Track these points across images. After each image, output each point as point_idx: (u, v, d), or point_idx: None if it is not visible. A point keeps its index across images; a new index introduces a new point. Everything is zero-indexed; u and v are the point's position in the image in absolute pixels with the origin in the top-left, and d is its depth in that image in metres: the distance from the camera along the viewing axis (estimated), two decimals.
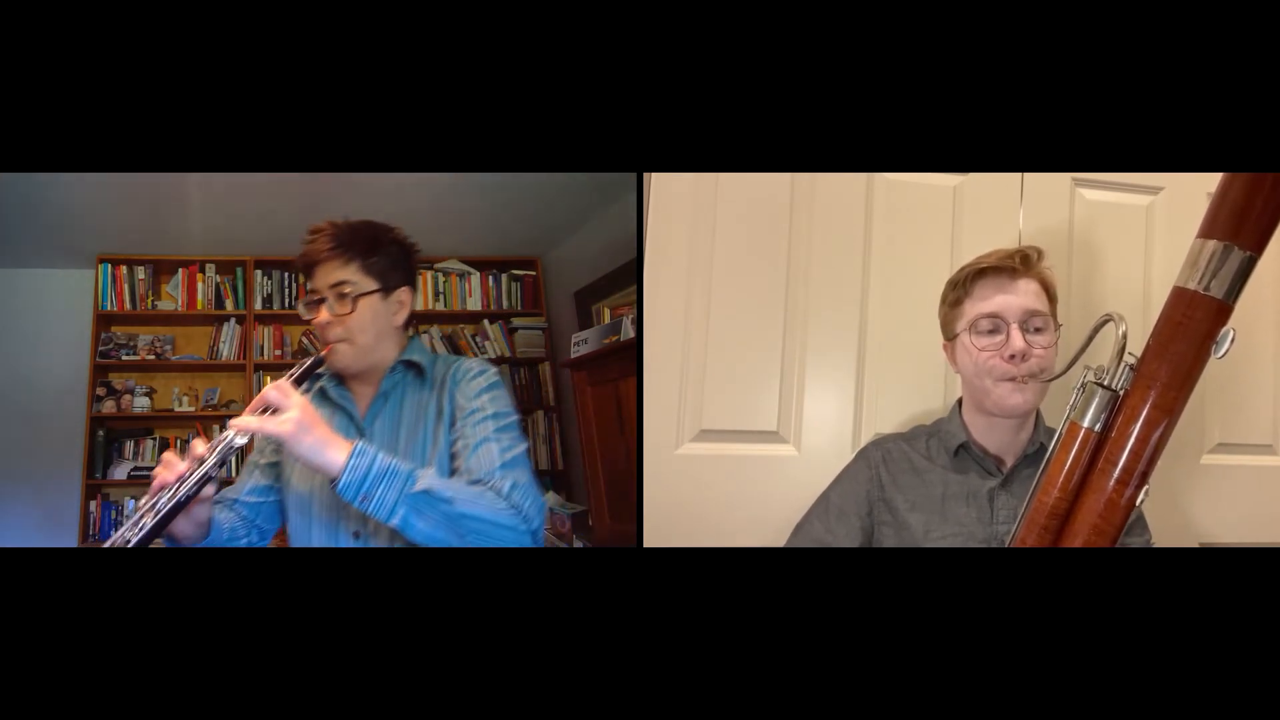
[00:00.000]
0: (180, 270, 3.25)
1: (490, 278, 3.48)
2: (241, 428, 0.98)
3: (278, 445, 1.17)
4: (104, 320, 3.19)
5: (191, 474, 0.97)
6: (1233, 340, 0.82)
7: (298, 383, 1.07)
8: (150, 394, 3.25)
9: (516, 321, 3.45)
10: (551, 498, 2.87)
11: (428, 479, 1.00)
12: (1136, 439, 0.84)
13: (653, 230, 1.40)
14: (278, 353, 3.28)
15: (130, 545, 0.92)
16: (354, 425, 1.17)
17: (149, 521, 0.94)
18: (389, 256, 1.17)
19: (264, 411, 0.99)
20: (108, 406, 3.14)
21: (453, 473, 1.09)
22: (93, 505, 3.11)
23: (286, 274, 3.30)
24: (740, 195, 1.42)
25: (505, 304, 3.48)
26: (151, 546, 0.95)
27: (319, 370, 1.14)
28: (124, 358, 3.19)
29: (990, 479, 1.15)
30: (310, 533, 1.14)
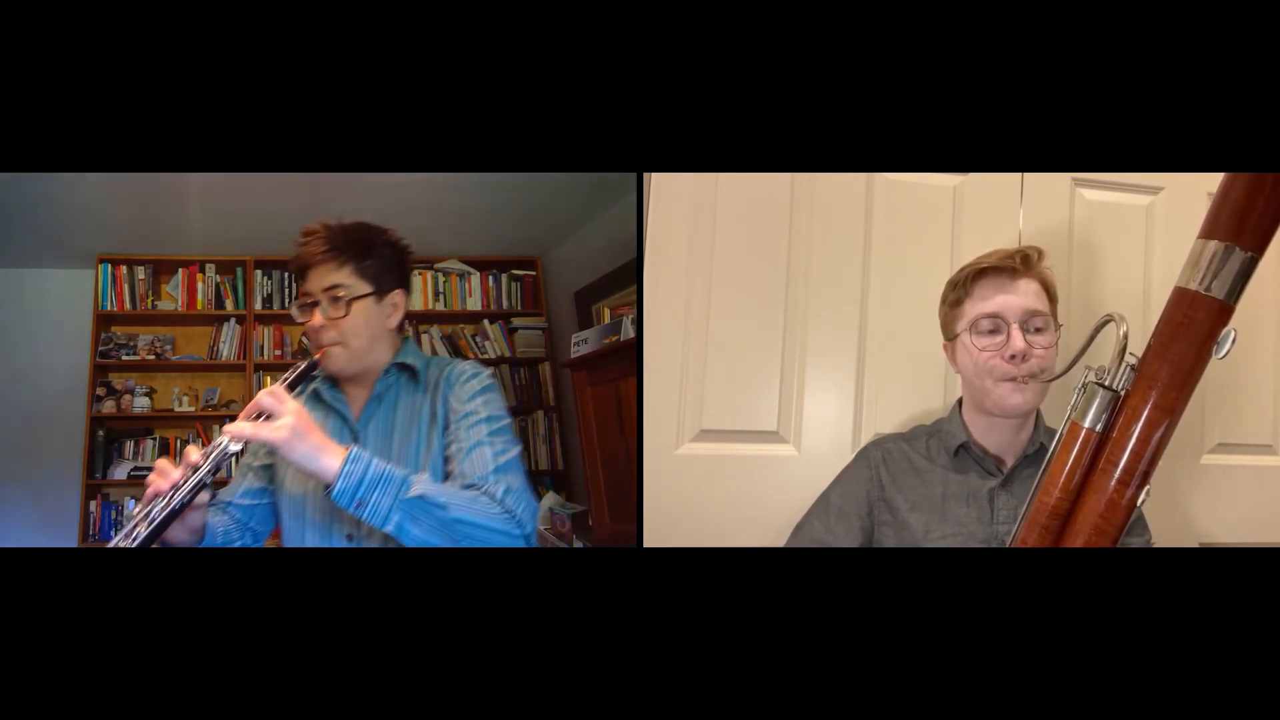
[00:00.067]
0: (180, 270, 3.25)
1: (490, 278, 3.48)
2: (236, 434, 0.98)
3: (271, 448, 1.17)
4: (104, 320, 3.19)
5: (186, 481, 0.97)
6: (1234, 341, 0.82)
7: (291, 387, 1.06)
8: (150, 394, 3.25)
9: (516, 321, 3.45)
10: (551, 498, 2.87)
11: (422, 485, 1.00)
12: (1138, 439, 0.84)
13: (653, 230, 1.40)
14: (278, 353, 3.28)
15: None
16: (348, 428, 1.17)
17: (143, 531, 0.94)
18: (382, 259, 1.17)
19: (258, 417, 0.99)
20: (108, 406, 3.14)
21: (446, 476, 1.09)
22: (93, 505, 3.11)
23: (286, 274, 3.30)
24: (740, 195, 1.42)
25: (505, 304, 3.48)
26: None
27: (313, 374, 1.14)
28: (124, 358, 3.19)
29: (990, 479, 1.15)
30: (303, 535, 1.14)
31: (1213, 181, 0.87)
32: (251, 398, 1.01)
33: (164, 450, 3.24)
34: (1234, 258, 0.81)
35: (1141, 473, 0.85)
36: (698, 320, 1.40)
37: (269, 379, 3.24)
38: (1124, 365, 0.87)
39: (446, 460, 1.11)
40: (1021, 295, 1.12)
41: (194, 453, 0.99)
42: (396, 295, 1.18)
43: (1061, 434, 0.91)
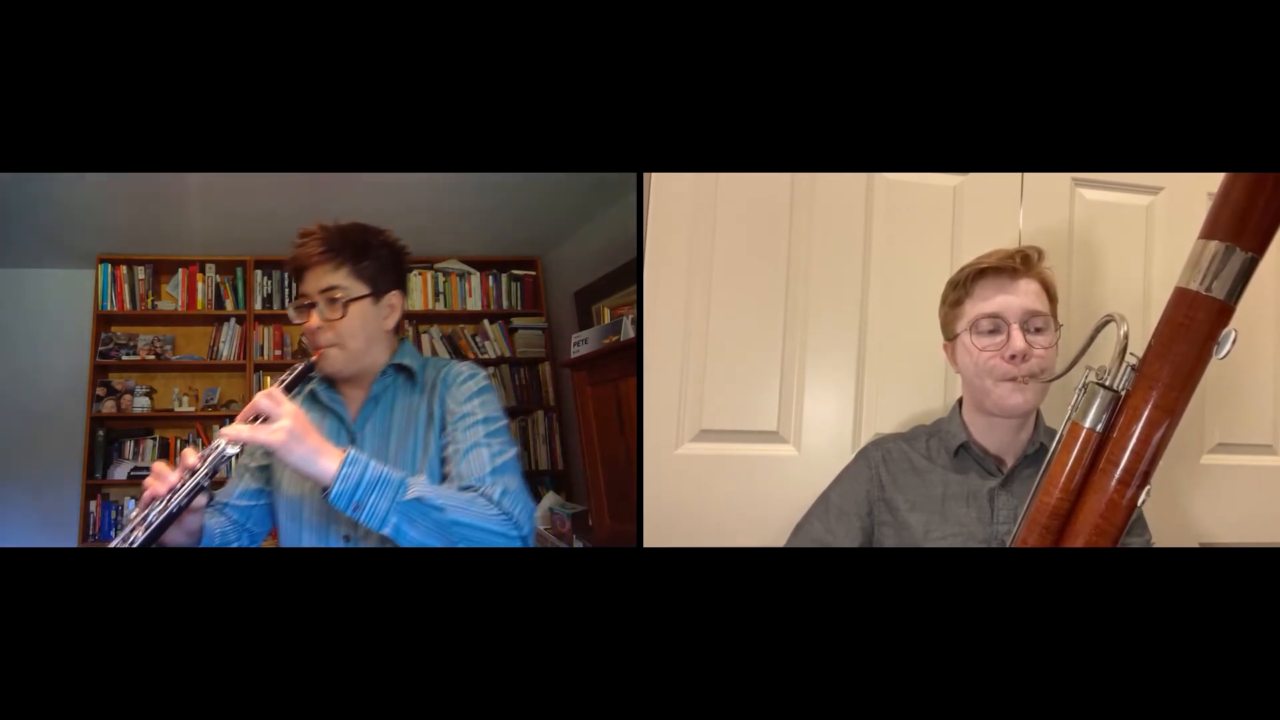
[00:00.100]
0: (180, 270, 3.25)
1: (490, 278, 3.48)
2: (233, 437, 0.98)
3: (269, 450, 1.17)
4: (104, 320, 3.19)
5: (183, 485, 0.97)
6: (1234, 341, 0.82)
7: (289, 390, 1.06)
8: (150, 394, 3.25)
9: (516, 321, 3.45)
10: (551, 498, 2.87)
11: (419, 487, 1.00)
12: (1138, 439, 0.84)
13: (653, 230, 1.40)
14: (278, 353, 3.28)
15: None
16: (345, 429, 1.17)
17: (140, 535, 0.93)
18: (379, 261, 1.17)
19: (255, 420, 0.99)
20: (108, 406, 3.14)
21: (443, 477, 1.09)
22: (93, 505, 3.11)
23: (286, 274, 3.29)
24: (740, 195, 1.42)
25: (505, 304, 3.48)
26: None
27: (310, 375, 1.14)
28: (124, 358, 3.19)
29: (990, 479, 1.15)
30: (300, 536, 1.14)
31: (1213, 181, 0.87)
32: (251, 398, 1.01)
33: (164, 450, 3.24)
34: (1235, 258, 0.81)
35: (1142, 473, 0.85)
36: (698, 320, 1.40)
37: (269, 379, 3.24)
38: (1124, 365, 0.87)
39: (443, 461, 1.11)
40: (1021, 295, 1.12)
41: (191, 456, 0.99)
42: (393, 296, 1.18)
43: (1062, 434, 0.91)
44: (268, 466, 1.22)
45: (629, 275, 2.62)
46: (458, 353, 3.39)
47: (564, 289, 3.30)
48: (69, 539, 3.03)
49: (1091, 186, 1.51)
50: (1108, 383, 0.87)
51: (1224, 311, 0.83)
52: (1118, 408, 0.87)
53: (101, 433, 3.14)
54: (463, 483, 1.06)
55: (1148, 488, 0.86)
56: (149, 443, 3.24)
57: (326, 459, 0.96)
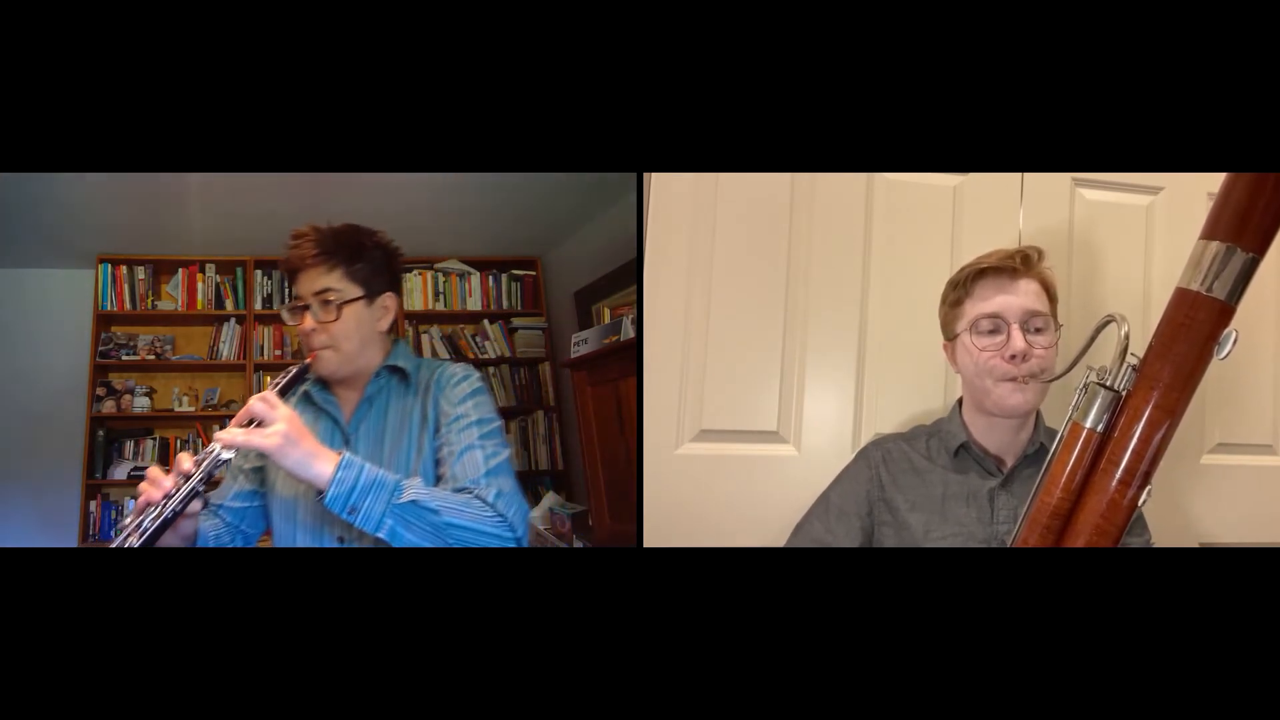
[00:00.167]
0: (180, 270, 3.25)
1: (490, 278, 3.48)
2: (228, 441, 0.98)
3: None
4: (104, 320, 3.19)
5: (178, 490, 0.97)
6: (1235, 341, 0.82)
7: (283, 393, 1.07)
8: (150, 394, 3.25)
9: (516, 321, 3.45)
10: (551, 498, 2.87)
11: (414, 490, 1.00)
12: (1139, 439, 0.84)
13: (653, 230, 1.40)
14: (278, 353, 3.28)
15: None
16: (339, 430, 1.17)
17: (135, 541, 0.93)
18: (372, 263, 1.17)
19: (250, 423, 0.98)
20: (108, 406, 3.14)
21: (438, 479, 1.09)
22: (93, 505, 3.11)
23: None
24: (740, 195, 1.42)
25: (505, 304, 3.48)
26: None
27: (304, 378, 1.14)
28: (124, 358, 3.19)
29: (990, 479, 1.15)
30: (295, 537, 1.14)
31: (1213, 181, 0.87)
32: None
33: (164, 450, 3.24)
34: (1235, 259, 0.81)
35: (1143, 473, 0.85)
36: (698, 320, 1.40)
37: (269, 379, 3.23)
38: (1125, 366, 0.87)
39: (438, 463, 1.11)
40: (1021, 295, 1.12)
41: (186, 461, 0.99)
42: (387, 298, 1.18)
43: (1063, 434, 0.91)
44: (262, 468, 1.22)
45: (629, 275, 2.62)
46: (458, 353, 3.39)
47: (564, 289, 3.30)
48: (69, 539, 3.03)
49: (1091, 186, 1.51)
50: (1109, 383, 0.87)
51: (1225, 312, 0.82)
52: (1118, 408, 0.87)
53: (101, 433, 3.14)
54: (457, 484, 1.06)
55: (1149, 488, 0.86)
56: (149, 443, 3.24)
57: (321, 463, 0.97)
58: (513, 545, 1.04)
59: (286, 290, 3.30)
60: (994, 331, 1.12)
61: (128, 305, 3.17)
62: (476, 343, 3.43)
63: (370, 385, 1.17)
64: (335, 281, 1.13)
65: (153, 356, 3.22)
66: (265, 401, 0.99)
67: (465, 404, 1.13)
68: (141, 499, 0.97)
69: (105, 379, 3.19)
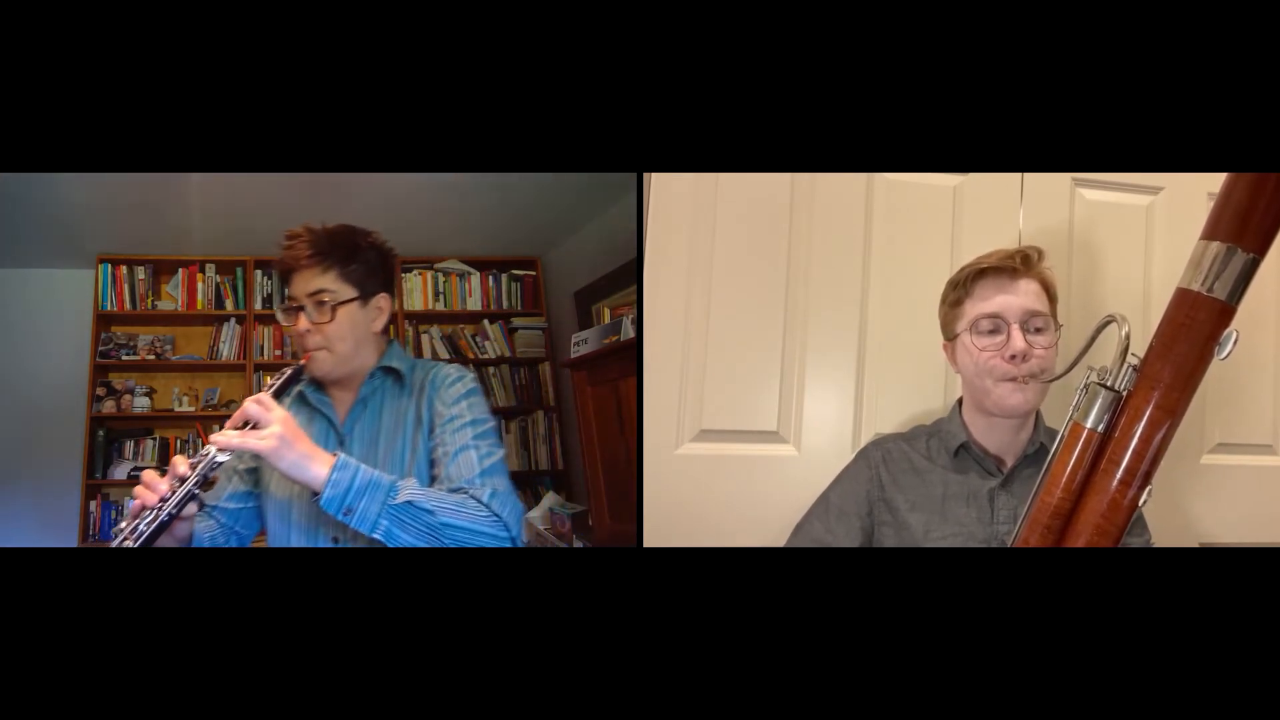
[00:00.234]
0: (180, 270, 3.25)
1: (490, 278, 3.48)
2: (223, 444, 0.98)
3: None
4: (104, 320, 3.19)
5: (174, 494, 0.97)
6: (1236, 342, 0.82)
7: (278, 395, 1.07)
8: (150, 394, 3.25)
9: (516, 321, 3.45)
10: (551, 498, 2.87)
11: (409, 490, 1.00)
12: (1139, 440, 0.84)
13: (653, 230, 1.40)
14: (278, 353, 3.28)
15: None
16: (333, 431, 1.17)
17: (130, 545, 0.93)
18: (367, 263, 1.17)
19: (245, 425, 0.98)
20: (108, 406, 3.14)
21: (432, 479, 1.09)
22: (93, 505, 3.11)
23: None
24: (740, 195, 1.42)
25: (505, 304, 3.48)
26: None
27: (299, 379, 1.14)
28: (124, 358, 3.19)
29: (990, 479, 1.15)
30: (289, 538, 1.14)
31: (1213, 182, 0.87)
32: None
33: (164, 450, 3.24)
34: (1236, 259, 0.81)
35: (1143, 473, 0.85)
36: (698, 320, 1.40)
37: (269, 379, 3.23)
38: (1126, 366, 0.87)
39: (432, 464, 1.11)
40: (1021, 295, 1.12)
41: (181, 464, 0.99)
42: (381, 299, 1.19)
43: (1063, 434, 0.91)
44: (256, 469, 1.22)
45: (629, 275, 2.62)
46: (458, 353, 3.39)
47: (564, 289, 3.30)
48: (69, 539, 3.03)
49: (1091, 186, 1.51)
50: (1109, 383, 0.87)
51: (1225, 312, 0.82)
52: (1119, 408, 0.87)
53: (101, 433, 3.14)
54: (452, 484, 1.06)
55: (1149, 488, 0.86)
56: (149, 443, 3.24)
57: (317, 464, 0.97)
58: (507, 544, 1.04)
59: (287, 290, 3.31)
60: (994, 331, 1.12)
61: (128, 305, 3.17)
62: (476, 343, 3.43)
63: (365, 386, 1.17)
64: (330, 282, 1.13)
65: (153, 356, 3.21)
66: (260, 403, 0.99)
67: (460, 404, 1.13)
68: (136, 503, 0.97)
69: (105, 379, 3.19)
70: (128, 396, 3.18)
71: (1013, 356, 1.09)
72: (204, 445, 1.01)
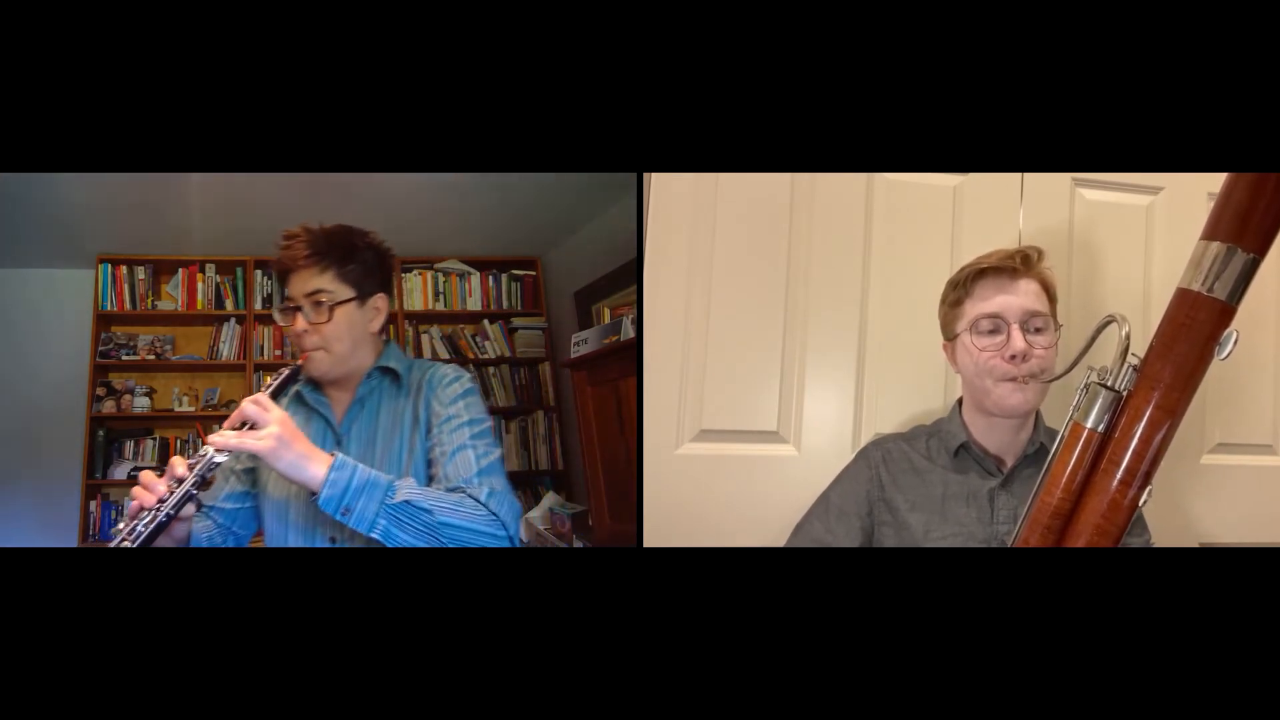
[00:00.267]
0: (180, 270, 3.25)
1: (490, 278, 3.48)
2: (221, 444, 0.98)
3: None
4: (104, 320, 3.18)
5: (171, 495, 0.97)
6: (1236, 342, 0.82)
7: (275, 395, 1.07)
8: (150, 394, 3.25)
9: (516, 321, 3.45)
10: (551, 498, 2.87)
11: (407, 489, 1.00)
12: (1140, 440, 0.84)
13: (653, 230, 1.40)
14: (278, 353, 3.28)
15: None
16: (330, 431, 1.17)
17: (128, 546, 0.93)
18: (364, 264, 1.17)
19: (243, 426, 0.98)
20: (108, 406, 3.14)
21: (429, 479, 1.10)
22: (93, 505, 3.11)
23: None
24: (740, 195, 1.42)
25: (505, 304, 3.48)
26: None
27: (296, 379, 1.14)
28: (124, 358, 3.18)
29: (990, 479, 1.15)
30: (286, 538, 1.14)
31: (1213, 182, 0.87)
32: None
33: (164, 450, 3.24)
34: (1236, 259, 0.81)
35: (1144, 473, 0.85)
36: (698, 320, 1.40)
37: (269, 378, 3.23)
38: (1126, 366, 0.87)
39: (429, 463, 1.11)
40: (1021, 295, 1.12)
41: (180, 465, 0.99)
42: (378, 299, 1.19)
43: (1064, 434, 0.91)
44: (253, 469, 1.22)
45: (629, 275, 2.62)
46: (458, 353, 3.39)
47: (564, 289, 3.30)
48: (69, 539, 3.03)
49: (1091, 186, 1.51)
50: (1109, 383, 0.87)
51: (1226, 312, 0.82)
52: (1119, 408, 0.87)
53: (101, 433, 3.14)
54: (450, 484, 1.06)
55: (1150, 488, 0.86)
56: (149, 443, 3.24)
57: (314, 464, 0.97)
58: (505, 543, 1.05)
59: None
60: (994, 331, 1.12)
61: (128, 305, 3.17)
62: (476, 343, 3.43)
63: (362, 386, 1.17)
64: (327, 283, 1.13)
65: (153, 356, 3.21)
66: (257, 404, 0.99)
67: (457, 404, 1.13)
68: (134, 504, 0.97)
69: (105, 379, 3.19)
70: (128, 396, 3.18)
71: (1013, 356, 1.09)
72: (203, 445, 1.01)
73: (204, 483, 1.00)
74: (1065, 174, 1.49)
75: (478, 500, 1.04)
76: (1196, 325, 0.83)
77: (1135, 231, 1.52)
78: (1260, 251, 0.82)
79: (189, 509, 1.00)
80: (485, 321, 3.43)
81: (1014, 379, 1.09)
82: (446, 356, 3.36)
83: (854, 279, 1.43)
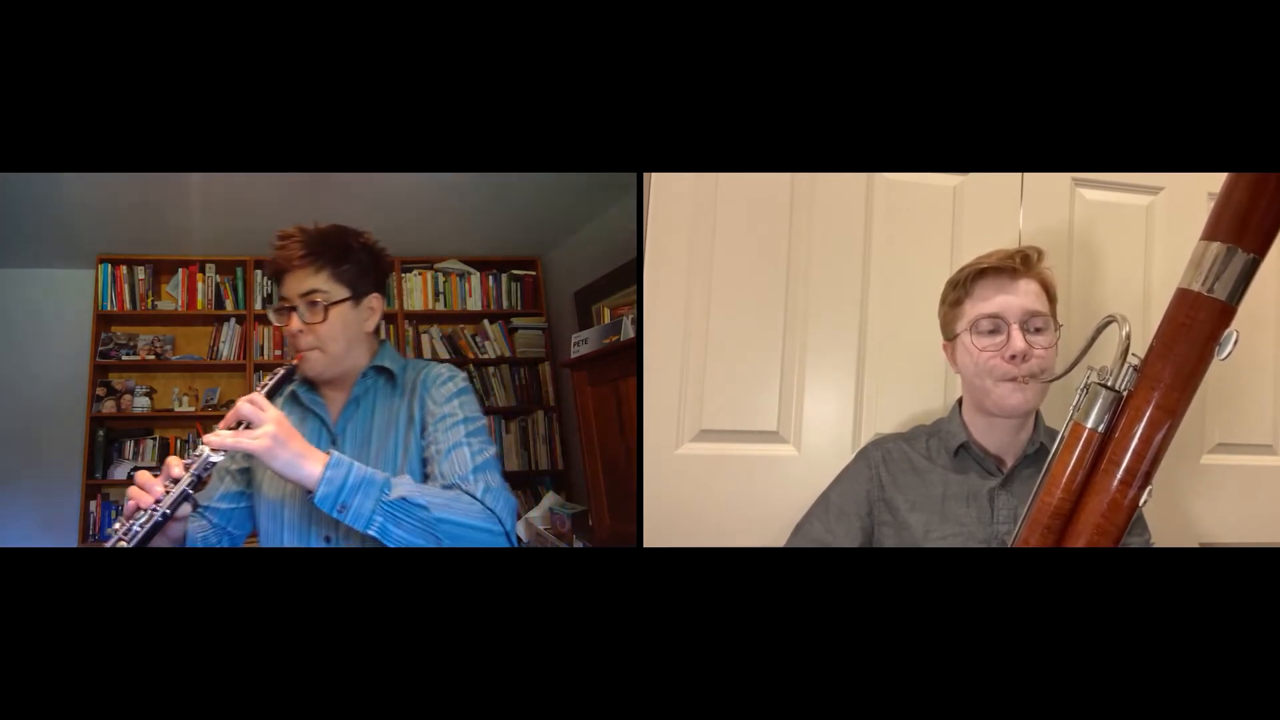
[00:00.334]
0: (180, 270, 3.25)
1: (490, 278, 3.48)
2: (217, 444, 0.98)
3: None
4: (104, 320, 3.19)
5: (168, 495, 0.97)
6: (1236, 342, 0.82)
7: (271, 395, 1.07)
8: (150, 394, 3.25)
9: (516, 321, 3.45)
10: (551, 498, 2.87)
11: (403, 487, 1.00)
12: (1140, 440, 0.84)
13: (653, 230, 1.40)
14: (278, 353, 3.28)
15: None
16: (326, 430, 1.17)
17: (125, 546, 0.94)
18: (359, 264, 1.17)
19: (239, 426, 0.99)
20: (108, 406, 3.14)
21: (424, 478, 1.10)
22: (93, 505, 3.11)
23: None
24: (740, 195, 1.42)
25: (505, 304, 3.48)
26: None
27: (291, 379, 1.14)
28: (124, 358, 3.19)
29: (990, 479, 1.15)
30: (281, 538, 1.15)
31: (1213, 182, 0.87)
32: None
33: (164, 450, 3.24)
34: (1236, 259, 0.81)
35: (1144, 473, 0.85)
36: (698, 320, 1.40)
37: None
38: (1126, 366, 0.87)
39: (424, 462, 1.12)
40: (1021, 295, 1.12)
41: (176, 465, 0.99)
42: (373, 299, 1.19)
43: (1064, 434, 0.91)
44: (248, 469, 1.22)
45: (629, 275, 2.62)
46: (458, 353, 3.39)
47: (564, 289, 3.30)
48: (69, 539, 3.03)
49: (1091, 186, 1.51)
50: (1109, 383, 0.87)
51: (1226, 312, 0.82)
52: (1119, 408, 0.87)
53: (101, 433, 3.14)
54: (445, 481, 1.07)
55: (1150, 488, 0.86)
56: (149, 443, 3.24)
57: (310, 463, 0.97)
58: (502, 538, 1.05)
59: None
60: (994, 331, 1.12)
61: (128, 305, 3.17)
62: (476, 343, 3.43)
63: (357, 386, 1.18)
64: (322, 283, 1.13)
65: (153, 356, 3.22)
66: (253, 403, 0.99)
67: (451, 403, 1.14)
68: (130, 504, 0.97)
69: (105, 379, 3.19)
70: (128, 396, 3.19)
71: (1013, 356, 1.09)
72: (200, 445, 1.01)
73: (200, 483, 1.00)
74: (1065, 174, 1.49)
75: (474, 497, 1.04)
76: (1196, 325, 0.83)
77: (1135, 231, 1.52)
78: (1260, 252, 0.82)
79: (185, 509, 1.00)
80: (485, 321, 3.43)
81: (1014, 379, 1.09)
82: (446, 356, 3.36)
83: (854, 279, 1.43)
